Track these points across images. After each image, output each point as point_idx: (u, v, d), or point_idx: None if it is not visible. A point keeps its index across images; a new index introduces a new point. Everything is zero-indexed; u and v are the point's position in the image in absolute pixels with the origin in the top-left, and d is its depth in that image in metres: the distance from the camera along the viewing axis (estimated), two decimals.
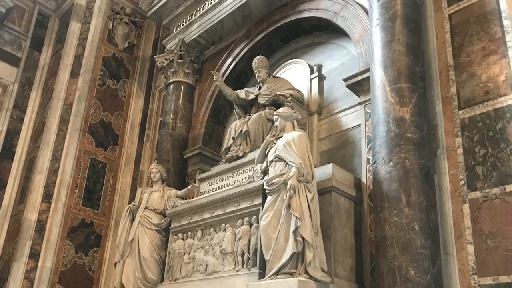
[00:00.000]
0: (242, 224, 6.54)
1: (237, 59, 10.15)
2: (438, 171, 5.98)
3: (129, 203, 9.28)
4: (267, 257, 5.70)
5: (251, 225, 6.45)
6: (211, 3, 10.51)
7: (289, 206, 5.53)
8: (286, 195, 5.57)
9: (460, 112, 6.04)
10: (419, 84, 6.14)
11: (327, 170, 6.47)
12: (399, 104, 5.98)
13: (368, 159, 6.73)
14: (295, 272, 5.44)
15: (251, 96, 8.52)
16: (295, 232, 5.43)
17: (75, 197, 10.53)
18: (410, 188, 5.59)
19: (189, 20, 10.96)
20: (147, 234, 7.94)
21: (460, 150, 5.88)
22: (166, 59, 10.97)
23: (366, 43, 7.37)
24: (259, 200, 6.39)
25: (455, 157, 5.92)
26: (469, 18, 6.36)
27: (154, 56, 11.60)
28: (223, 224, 6.88)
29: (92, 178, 10.98)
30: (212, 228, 7.09)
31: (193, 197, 8.11)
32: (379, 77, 6.31)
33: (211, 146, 10.06)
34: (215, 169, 8.21)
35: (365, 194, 6.69)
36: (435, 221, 5.60)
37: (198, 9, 10.84)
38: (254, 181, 6.58)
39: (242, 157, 7.81)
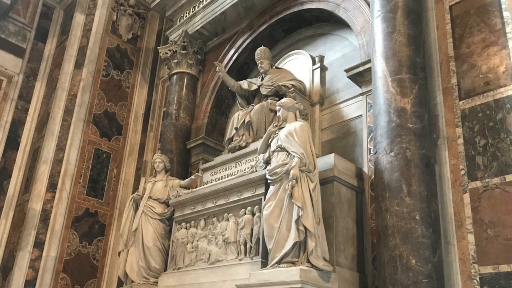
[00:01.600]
0: (245, 214, 6.58)
1: (239, 50, 10.18)
2: (438, 161, 6.00)
3: (133, 192, 9.29)
4: (269, 246, 5.73)
5: (253, 214, 6.49)
6: None
7: (291, 195, 5.55)
8: (288, 185, 5.58)
9: (461, 102, 6.07)
10: (420, 75, 6.16)
11: (329, 160, 6.49)
12: (400, 94, 6.00)
13: (370, 149, 6.75)
14: (297, 261, 5.46)
15: (254, 87, 8.55)
16: (297, 221, 5.45)
17: (79, 187, 10.59)
18: (411, 178, 5.61)
19: (192, 11, 10.99)
20: (151, 224, 7.98)
21: (461, 140, 5.90)
22: (169, 50, 11.00)
23: (368, 34, 7.40)
24: (261, 190, 6.43)
25: (455, 147, 5.94)
26: (469, 10, 6.38)
27: (158, 47, 11.62)
28: (226, 214, 6.91)
29: (96, 168, 11.03)
30: (215, 218, 7.13)
31: (196, 187, 8.16)
32: (380, 68, 6.34)
33: (214, 136, 10.10)
34: (218, 159, 8.25)
35: (366, 184, 6.73)
36: (435, 211, 5.62)
37: (201, 0, 10.86)
38: (256, 171, 6.63)
39: (245, 147, 7.83)
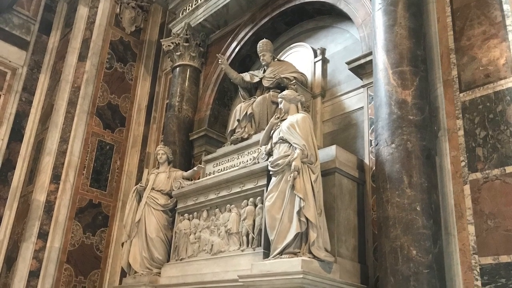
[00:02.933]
0: (247, 205, 6.60)
1: (242, 43, 10.20)
2: (439, 152, 6.04)
3: (136, 184, 9.35)
4: (271, 237, 5.74)
5: (255, 205, 6.51)
6: None
7: (293, 187, 5.56)
8: (290, 176, 5.60)
9: (461, 94, 6.10)
10: (421, 67, 6.19)
11: (331, 151, 6.52)
12: (401, 87, 6.03)
13: (371, 141, 6.77)
14: (299, 252, 5.48)
15: (256, 79, 8.56)
16: (299, 212, 5.46)
17: (83, 178, 10.62)
18: (412, 169, 5.65)
19: (195, 4, 11.00)
20: (154, 215, 8.01)
21: (461, 132, 5.94)
22: (172, 43, 11.02)
23: (369, 27, 7.42)
24: (263, 181, 6.44)
25: (456, 139, 5.97)
26: (470, 3, 6.40)
27: (161, 40, 11.67)
28: (228, 205, 6.94)
29: (99, 160, 11.06)
30: (217, 209, 7.15)
31: (198, 178, 8.17)
32: (381, 61, 6.37)
33: (217, 128, 10.13)
34: (220, 151, 8.28)
35: (367, 175, 6.75)
36: (436, 202, 5.66)
37: None
38: (258, 162, 6.63)
39: (247, 139, 7.86)
